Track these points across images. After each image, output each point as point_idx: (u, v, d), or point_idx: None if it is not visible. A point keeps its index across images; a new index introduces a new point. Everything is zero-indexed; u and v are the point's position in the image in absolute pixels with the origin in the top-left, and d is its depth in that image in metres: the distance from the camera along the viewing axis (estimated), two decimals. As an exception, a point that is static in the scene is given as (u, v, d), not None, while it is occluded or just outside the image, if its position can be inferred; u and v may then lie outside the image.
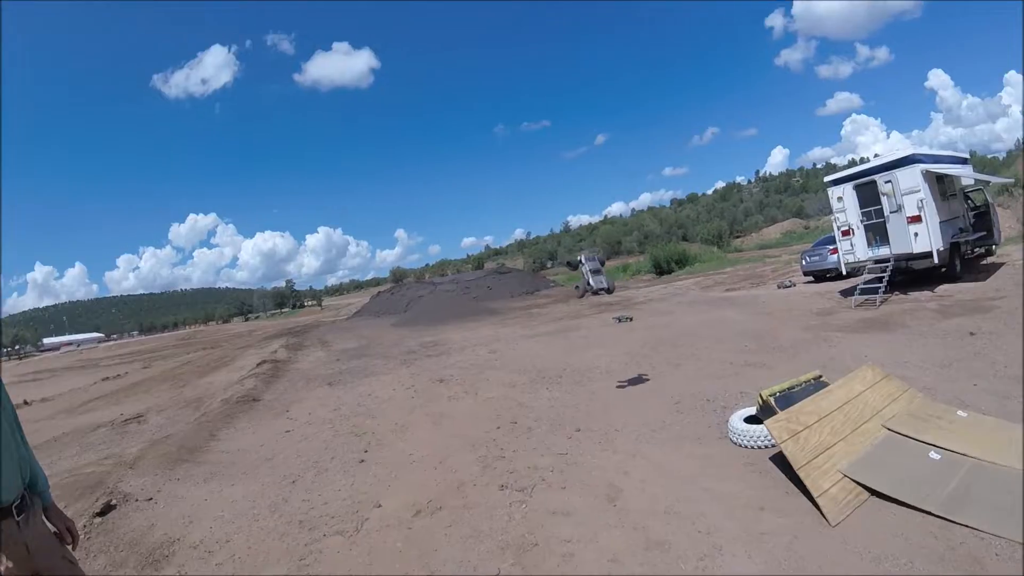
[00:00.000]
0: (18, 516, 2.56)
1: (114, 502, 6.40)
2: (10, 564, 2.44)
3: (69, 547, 2.87)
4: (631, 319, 16.41)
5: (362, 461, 7.34)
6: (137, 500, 6.51)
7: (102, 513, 6.13)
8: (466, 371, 12.97)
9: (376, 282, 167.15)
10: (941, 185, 15.42)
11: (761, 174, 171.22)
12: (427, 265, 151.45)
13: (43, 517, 2.80)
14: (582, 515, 5.02)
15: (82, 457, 9.19)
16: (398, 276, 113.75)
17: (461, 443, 7.58)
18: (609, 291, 31.42)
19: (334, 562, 4.76)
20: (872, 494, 4.62)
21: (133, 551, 5.32)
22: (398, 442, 8.05)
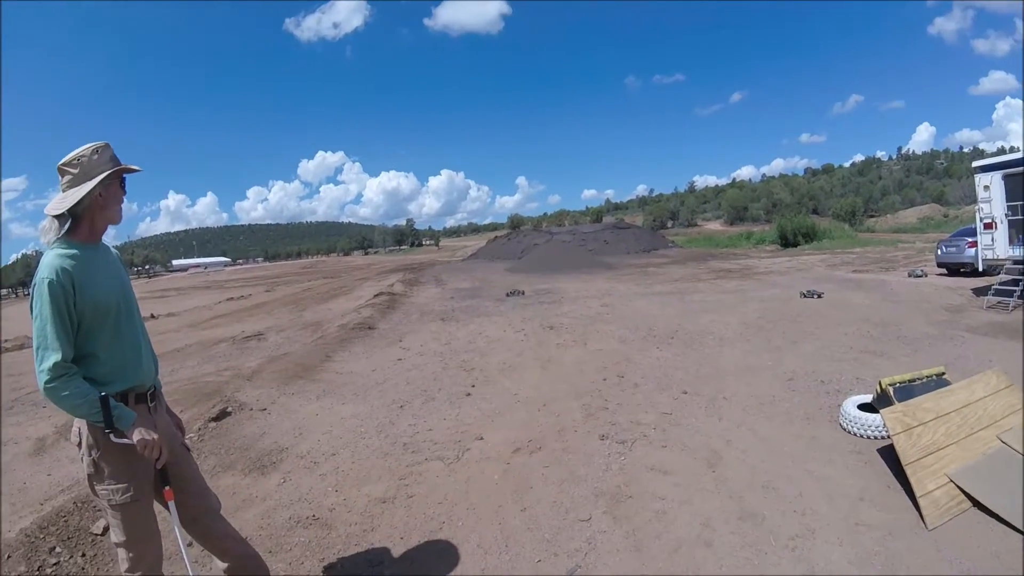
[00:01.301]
0: (150, 403, 2.89)
1: (229, 409, 6.87)
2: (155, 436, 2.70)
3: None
4: (821, 295, 15.79)
5: (468, 395, 7.59)
6: (251, 409, 6.95)
7: (217, 419, 6.59)
8: (577, 321, 13.08)
9: (493, 227, 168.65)
10: None
11: (904, 151, 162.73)
12: (545, 214, 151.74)
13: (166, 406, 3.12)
14: (679, 476, 5.05)
15: (203, 368, 9.80)
16: (516, 223, 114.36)
17: (566, 390, 7.71)
18: None
19: (432, 485, 5.00)
20: (974, 505, 4.45)
21: (243, 455, 5.72)
22: (504, 381, 8.26)
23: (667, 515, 4.39)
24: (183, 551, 2.87)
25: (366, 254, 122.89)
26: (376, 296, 19.26)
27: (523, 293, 19.47)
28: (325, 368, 9.14)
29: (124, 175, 2.78)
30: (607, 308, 15.13)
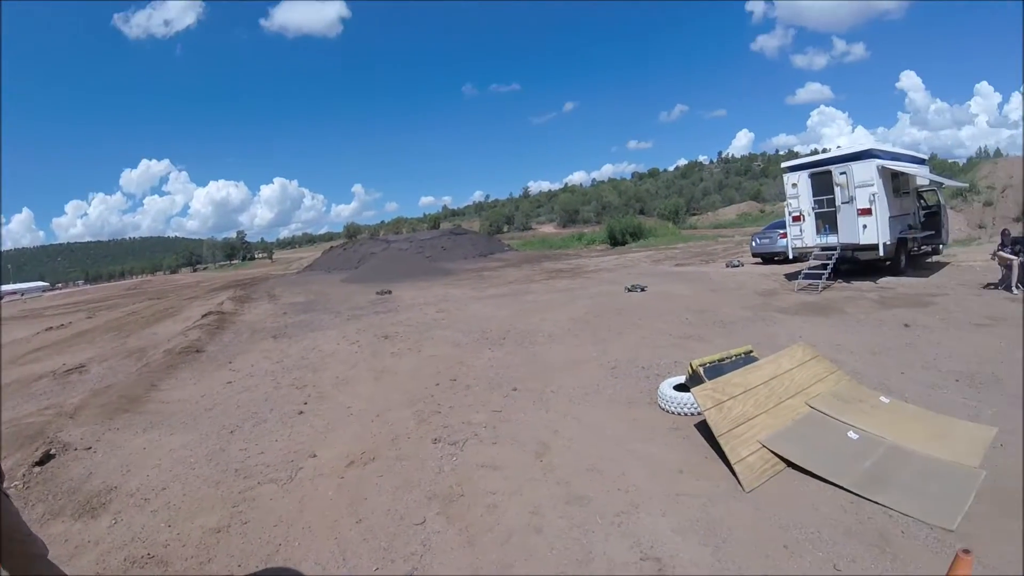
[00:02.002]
0: None
1: (53, 451, 6.40)
2: None
3: None
4: (645, 288, 16.51)
5: (301, 413, 7.42)
6: (76, 449, 6.51)
7: (41, 463, 6.13)
8: (412, 329, 13.05)
9: (330, 237, 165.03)
10: (895, 182, 15.83)
11: (724, 155, 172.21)
12: (383, 222, 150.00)
13: None
14: (510, 469, 5.20)
15: (23, 407, 9.08)
16: (352, 232, 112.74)
17: (400, 398, 7.71)
18: None
19: (267, 508, 4.86)
20: (788, 466, 4.84)
21: (71, 499, 5.35)
22: (338, 395, 8.15)
23: (498, 508, 4.51)
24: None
25: (195, 271, 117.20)
26: (204, 316, 18.41)
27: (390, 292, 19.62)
28: (151, 398, 8.68)
29: None
30: (443, 314, 15.20)
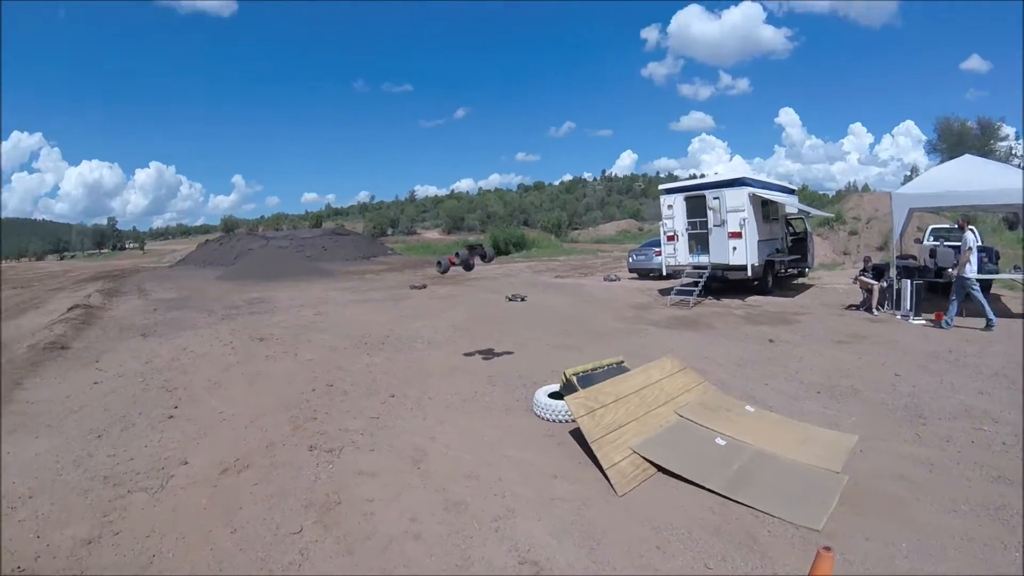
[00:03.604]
0: None
1: (-97, 461, 5.99)
2: None
3: None
4: (525, 298, 16.81)
5: (171, 417, 7.20)
6: (-70, 456, 6.13)
7: None
8: (288, 331, 12.87)
9: (206, 229, 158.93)
10: (766, 208, 16.89)
11: (607, 173, 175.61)
12: (263, 217, 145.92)
13: None
14: (387, 476, 5.25)
15: None
16: (230, 226, 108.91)
17: (275, 403, 7.60)
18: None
19: (138, 518, 4.71)
20: (659, 471, 5.09)
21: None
22: (210, 399, 7.95)
23: (376, 516, 4.55)
24: None
25: (62, 259, 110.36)
26: (71, 310, 17.45)
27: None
28: (14, 398, 8.19)
29: None
30: (321, 316, 15.05)
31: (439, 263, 8.98)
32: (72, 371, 9.79)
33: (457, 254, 8.83)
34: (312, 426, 6.65)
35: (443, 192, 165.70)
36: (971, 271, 11.14)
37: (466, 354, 9.99)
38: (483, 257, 9.04)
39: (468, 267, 9.08)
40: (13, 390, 8.55)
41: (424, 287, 21.13)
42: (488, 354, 9.88)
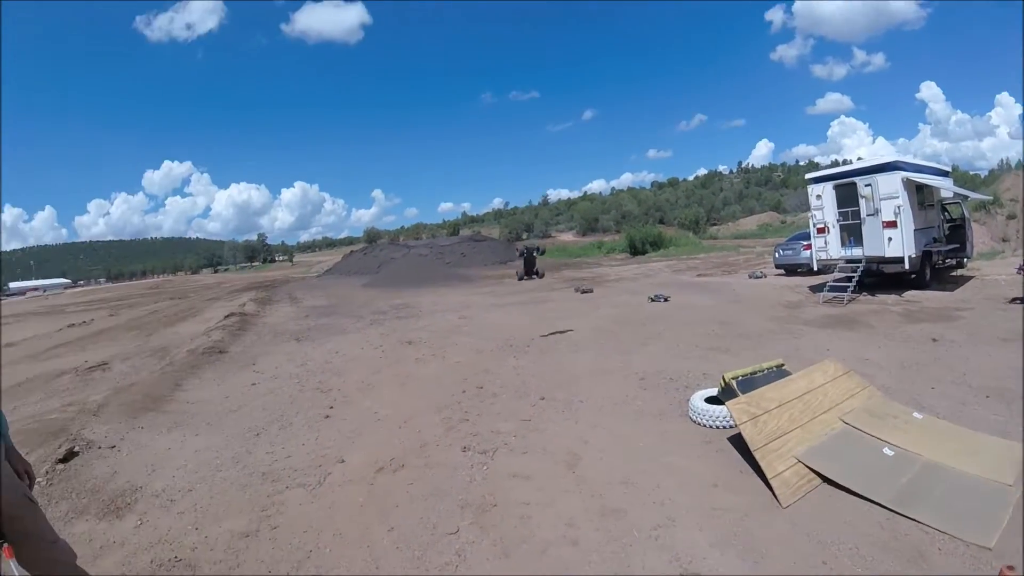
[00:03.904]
0: None
1: (77, 449, 6.35)
2: None
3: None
4: (668, 298, 16.46)
5: (327, 417, 7.39)
6: (100, 447, 6.47)
7: (64, 460, 6.07)
8: (435, 335, 13.05)
9: (350, 241, 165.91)
10: (920, 194, 15.63)
11: (744, 165, 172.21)
12: (402, 227, 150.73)
13: (4, 457, 2.84)
14: (541, 480, 5.14)
15: (47, 403, 9.10)
16: (372, 237, 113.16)
17: (426, 404, 7.66)
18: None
19: (295, 514, 4.81)
20: (824, 482, 4.75)
21: (95, 498, 5.30)
22: (363, 400, 8.11)
23: (532, 519, 4.45)
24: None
25: (216, 272, 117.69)
26: (227, 317, 18.47)
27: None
28: (175, 398, 8.67)
29: None
30: (464, 320, 15.22)
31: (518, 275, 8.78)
32: (230, 373, 10.26)
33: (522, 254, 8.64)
34: (464, 427, 6.65)
35: (576, 194, 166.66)
36: None
37: (612, 356, 9.76)
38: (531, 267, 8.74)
39: (531, 268, 8.85)
40: (173, 390, 8.99)
41: (591, 291, 20.67)
42: (634, 356, 9.62)
